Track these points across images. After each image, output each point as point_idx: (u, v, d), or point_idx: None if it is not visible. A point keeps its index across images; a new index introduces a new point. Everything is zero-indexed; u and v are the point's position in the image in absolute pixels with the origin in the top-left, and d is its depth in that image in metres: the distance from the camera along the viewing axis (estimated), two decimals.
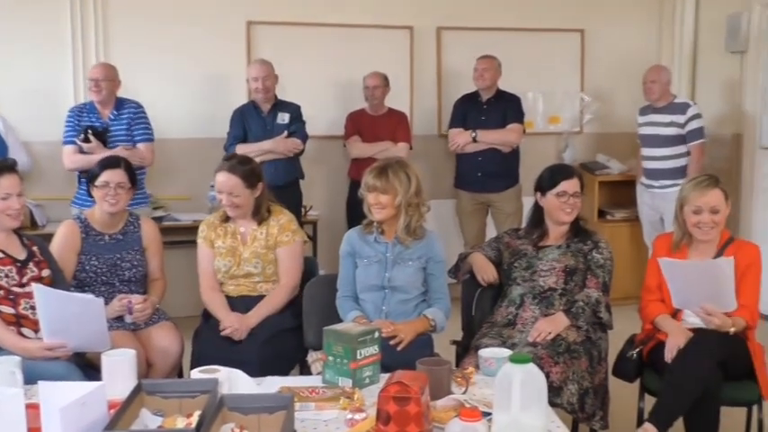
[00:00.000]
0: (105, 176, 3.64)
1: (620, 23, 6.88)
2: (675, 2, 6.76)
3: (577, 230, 3.60)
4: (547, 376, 3.00)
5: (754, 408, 3.31)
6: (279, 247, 3.67)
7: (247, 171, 3.62)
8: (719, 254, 3.38)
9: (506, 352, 2.84)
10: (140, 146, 5.01)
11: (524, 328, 3.37)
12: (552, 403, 2.98)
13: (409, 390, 1.85)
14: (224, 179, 3.60)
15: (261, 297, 3.64)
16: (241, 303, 3.61)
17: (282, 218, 3.72)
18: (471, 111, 5.86)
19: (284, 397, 2.01)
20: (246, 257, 3.64)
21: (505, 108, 5.82)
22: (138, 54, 5.81)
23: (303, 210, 5.58)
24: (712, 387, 3.06)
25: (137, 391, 2.04)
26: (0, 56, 5.63)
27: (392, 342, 3.15)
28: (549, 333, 3.25)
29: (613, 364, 3.48)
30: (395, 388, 1.86)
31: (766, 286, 3.63)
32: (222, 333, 3.46)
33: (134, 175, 3.79)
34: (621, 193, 6.55)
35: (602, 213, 6.58)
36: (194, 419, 1.93)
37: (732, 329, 3.20)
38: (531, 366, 1.66)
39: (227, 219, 3.72)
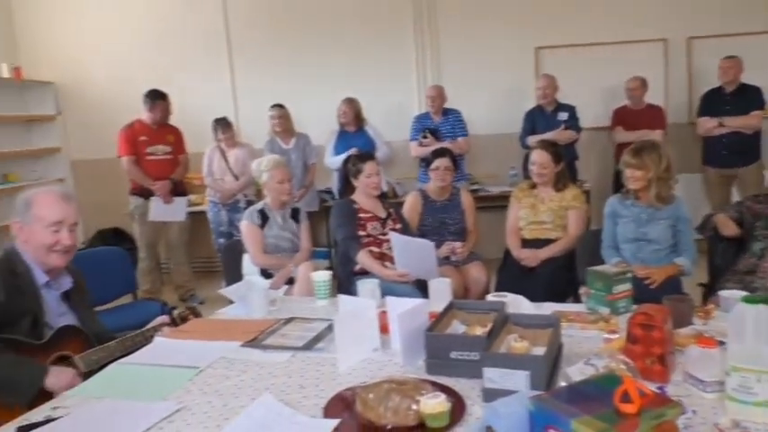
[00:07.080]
0: (436, 163, 3.74)
1: None
2: None
3: None
4: None
5: None
6: (570, 210, 3.53)
7: (554, 150, 3.59)
8: None
9: (744, 294, 2.40)
10: (460, 140, 5.19)
11: (765, 275, 2.82)
12: None
13: (653, 319, 1.63)
14: (538, 154, 3.57)
15: (547, 240, 3.51)
16: (533, 243, 3.55)
17: (576, 191, 3.60)
18: (716, 102, 5.08)
19: (554, 317, 1.88)
20: (543, 210, 3.55)
21: (747, 98, 4.98)
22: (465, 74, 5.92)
23: (579, 182, 5.27)
24: None
25: (449, 307, 2.04)
26: (367, 83, 5.93)
27: (646, 282, 2.84)
28: None
29: None
30: (641, 317, 1.65)
31: None
32: (520, 260, 3.47)
33: (455, 160, 3.85)
34: None
35: None
36: (488, 329, 1.88)
37: None
38: (764, 307, 1.36)
39: (533, 187, 3.65)
